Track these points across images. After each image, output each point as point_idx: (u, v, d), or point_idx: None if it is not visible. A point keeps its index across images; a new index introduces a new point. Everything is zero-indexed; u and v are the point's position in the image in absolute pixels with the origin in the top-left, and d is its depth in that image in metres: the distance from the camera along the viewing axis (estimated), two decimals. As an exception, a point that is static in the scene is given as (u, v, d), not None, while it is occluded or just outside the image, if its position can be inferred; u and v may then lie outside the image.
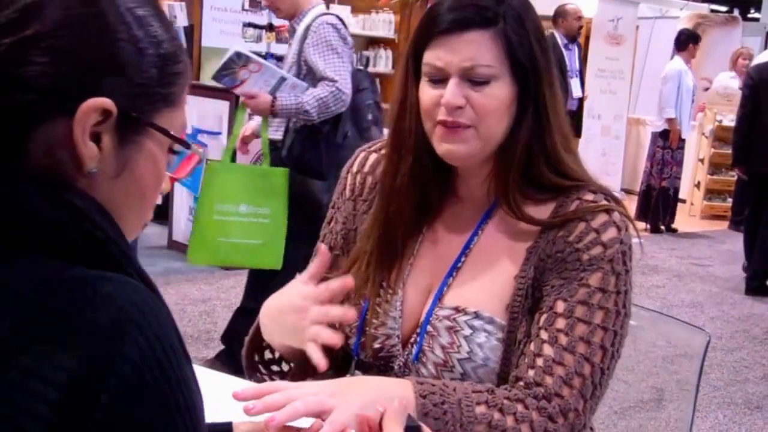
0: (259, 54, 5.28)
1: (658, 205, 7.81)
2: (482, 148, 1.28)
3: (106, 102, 0.72)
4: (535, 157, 1.28)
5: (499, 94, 1.26)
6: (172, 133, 0.80)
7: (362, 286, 1.36)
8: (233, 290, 4.77)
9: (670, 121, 7.57)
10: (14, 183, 0.70)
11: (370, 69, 9.08)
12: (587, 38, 8.63)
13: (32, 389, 0.63)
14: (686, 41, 7.68)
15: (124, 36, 0.75)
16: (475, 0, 1.25)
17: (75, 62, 0.72)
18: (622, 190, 8.86)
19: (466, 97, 1.25)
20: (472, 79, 1.25)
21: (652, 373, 3.90)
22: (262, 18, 5.55)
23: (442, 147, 1.28)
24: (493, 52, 1.25)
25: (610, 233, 1.26)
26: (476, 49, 1.25)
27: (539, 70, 1.27)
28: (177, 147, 0.83)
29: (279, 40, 5.52)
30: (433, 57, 1.27)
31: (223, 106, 5.20)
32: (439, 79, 1.27)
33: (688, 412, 1.66)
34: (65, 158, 0.73)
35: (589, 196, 1.29)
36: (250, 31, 5.42)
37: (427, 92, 1.29)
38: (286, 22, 5.55)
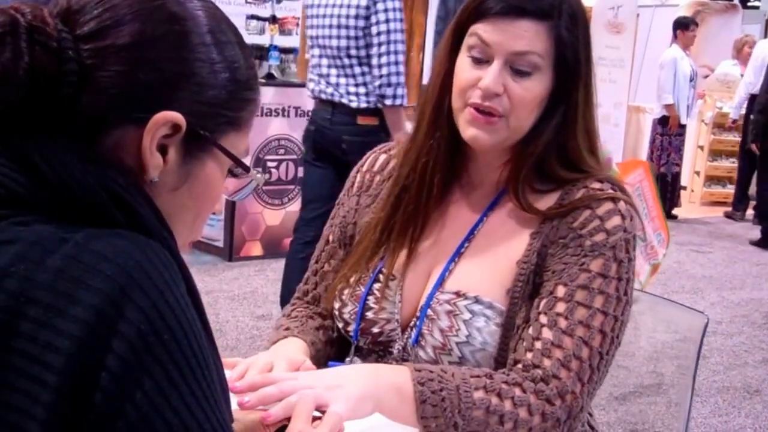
0: (262, 46, 5.32)
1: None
2: (508, 138, 1.27)
3: (177, 117, 0.75)
4: (552, 156, 1.28)
5: (536, 88, 1.25)
6: (235, 155, 0.82)
7: (370, 257, 1.36)
8: (236, 281, 4.80)
9: (668, 106, 7.63)
10: (65, 154, 0.72)
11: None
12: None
13: (39, 357, 0.63)
14: (676, 29, 7.82)
15: (202, 56, 0.77)
16: None
17: (151, 75, 0.74)
18: (623, 177, 8.87)
19: (505, 85, 1.24)
20: (516, 68, 1.24)
21: (652, 359, 3.96)
22: (266, 10, 5.56)
23: (468, 131, 1.26)
24: (544, 46, 1.23)
25: (614, 221, 1.25)
26: (528, 38, 1.23)
27: (580, 72, 1.27)
28: (236, 170, 0.85)
29: (282, 32, 5.53)
30: (483, 31, 1.24)
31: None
32: (482, 60, 1.25)
33: (687, 397, 1.66)
34: (131, 164, 0.75)
35: (596, 185, 1.29)
36: (254, 23, 5.41)
37: (465, 70, 1.26)
38: (289, 14, 5.59)
